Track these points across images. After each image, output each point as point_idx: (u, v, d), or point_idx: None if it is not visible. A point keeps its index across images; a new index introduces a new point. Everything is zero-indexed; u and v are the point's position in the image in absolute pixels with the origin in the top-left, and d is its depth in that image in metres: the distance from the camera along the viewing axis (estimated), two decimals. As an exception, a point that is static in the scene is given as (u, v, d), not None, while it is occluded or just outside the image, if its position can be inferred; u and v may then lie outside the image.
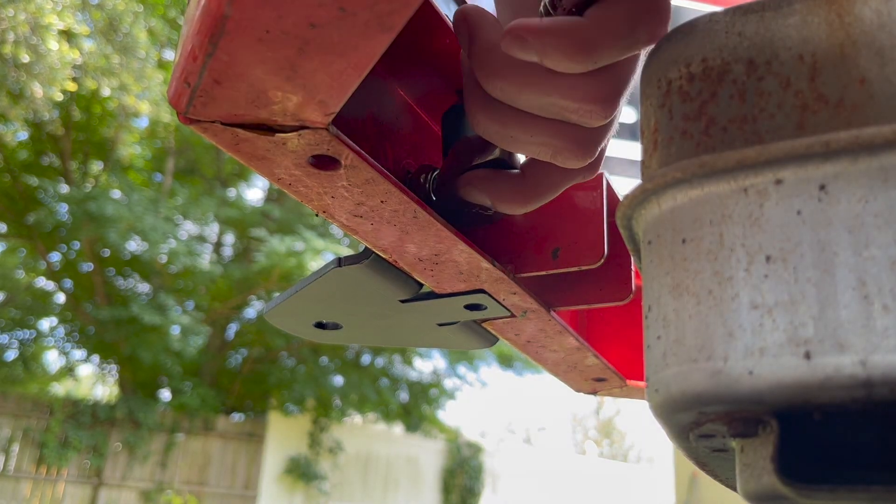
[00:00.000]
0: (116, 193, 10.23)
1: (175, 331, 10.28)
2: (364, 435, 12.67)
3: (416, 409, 13.37)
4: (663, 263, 0.31)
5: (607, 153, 0.43)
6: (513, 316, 0.54)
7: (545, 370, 0.67)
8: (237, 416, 11.94)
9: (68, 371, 13.55)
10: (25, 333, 12.03)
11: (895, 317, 0.24)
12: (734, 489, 0.33)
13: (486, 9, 0.41)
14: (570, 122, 0.39)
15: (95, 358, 12.36)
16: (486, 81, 0.38)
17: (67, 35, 8.16)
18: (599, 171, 0.48)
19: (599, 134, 0.40)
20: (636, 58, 0.39)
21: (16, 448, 9.84)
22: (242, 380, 12.07)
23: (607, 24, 0.35)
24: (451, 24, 0.42)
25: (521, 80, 0.37)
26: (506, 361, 13.42)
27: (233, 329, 12.45)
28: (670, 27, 0.36)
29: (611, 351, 0.72)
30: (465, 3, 0.45)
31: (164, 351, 10.31)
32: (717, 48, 0.32)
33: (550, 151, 0.40)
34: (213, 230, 12.51)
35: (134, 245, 10.60)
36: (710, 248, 0.29)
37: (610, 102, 0.37)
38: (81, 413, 10.18)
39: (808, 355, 0.25)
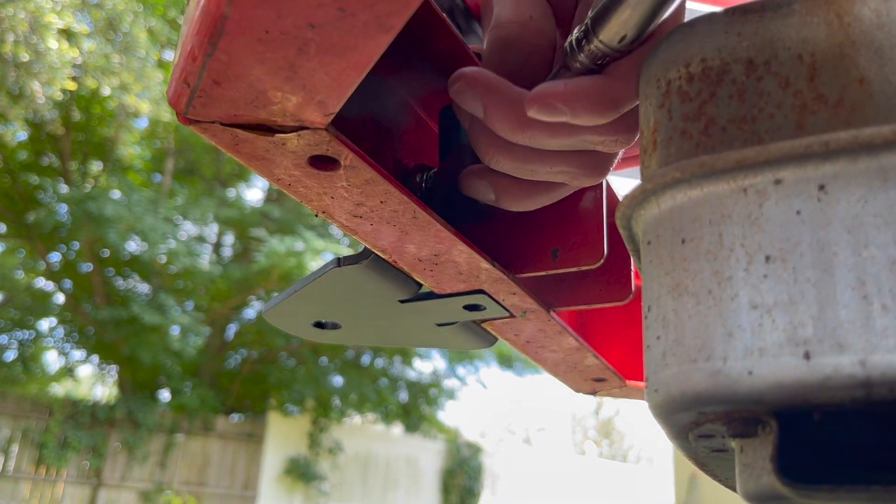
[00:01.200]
0: (116, 194, 10.22)
1: (175, 331, 10.27)
2: (363, 435, 12.66)
3: (415, 409, 13.36)
4: (663, 263, 0.31)
5: None
6: (512, 316, 0.53)
7: (545, 370, 0.67)
8: (237, 417, 11.93)
9: (68, 371, 13.54)
10: (25, 334, 12.03)
11: (894, 317, 0.24)
12: (734, 489, 0.33)
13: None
14: (589, 150, 0.40)
15: (95, 358, 12.35)
16: (511, 134, 0.38)
17: (67, 34, 8.15)
18: None
19: (614, 155, 0.42)
20: None
21: (15, 448, 9.83)
22: (242, 380, 12.06)
23: (630, 79, 0.36)
24: (451, 25, 0.42)
25: (552, 129, 0.38)
26: (506, 362, 13.41)
27: (232, 329, 12.44)
28: None
29: (610, 351, 0.72)
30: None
31: (164, 351, 10.30)
32: (717, 48, 0.32)
33: (568, 178, 0.41)
34: (212, 230, 12.51)
35: (133, 245, 10.60)
36: (710, 248, 0.29)
37: (634, 129, 0.38)
38: (81, 413, 10.17)
39: (807, 355, 0.25)
